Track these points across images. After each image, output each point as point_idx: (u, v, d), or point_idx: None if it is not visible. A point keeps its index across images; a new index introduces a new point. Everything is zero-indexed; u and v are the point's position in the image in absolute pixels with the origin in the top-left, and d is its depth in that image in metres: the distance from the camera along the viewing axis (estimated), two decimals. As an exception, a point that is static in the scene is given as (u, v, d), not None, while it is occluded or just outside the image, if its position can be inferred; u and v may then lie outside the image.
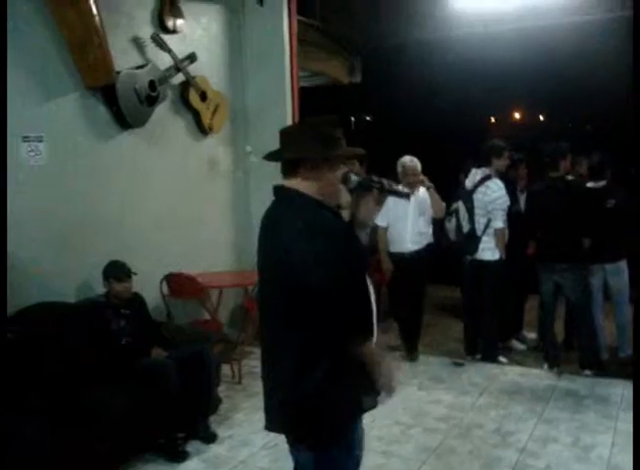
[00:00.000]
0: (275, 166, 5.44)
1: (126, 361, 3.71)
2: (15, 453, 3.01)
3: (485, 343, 5.11)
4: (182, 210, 4.85)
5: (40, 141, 3.88)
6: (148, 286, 4.52)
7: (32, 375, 3.39)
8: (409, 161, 5.00)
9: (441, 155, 7.60)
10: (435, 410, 4.17)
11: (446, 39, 6.92)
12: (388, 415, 4.01)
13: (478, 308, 5.09)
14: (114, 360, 3.69)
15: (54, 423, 3.19)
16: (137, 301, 4.08)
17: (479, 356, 5.13)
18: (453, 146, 7.74)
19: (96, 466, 3.32)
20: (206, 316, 4.91)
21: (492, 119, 13.68)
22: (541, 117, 13.43)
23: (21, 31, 3.72)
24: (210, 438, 3.81)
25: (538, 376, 4.77)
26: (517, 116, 13.75)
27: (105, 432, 3.38)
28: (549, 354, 4.88)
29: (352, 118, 12.64)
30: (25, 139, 3.80)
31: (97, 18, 3.89)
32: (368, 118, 13.74)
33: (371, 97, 8.32)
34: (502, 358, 5.09)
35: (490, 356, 5.08)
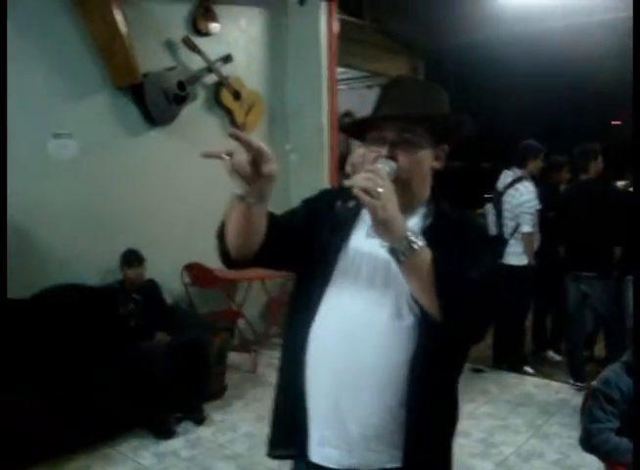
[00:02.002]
0: (315, 165, 5.60)
1: (130, 342, 4.01)
2: (9, 422, 3.36)
3: (509, 352, 4.92)
4: (214, 205, 5.03)
5: (70, 138, 4.26)
6: (174, 276, 4.83)
7: (40, 349, 3.78)
8: (362, 154, 4.00)
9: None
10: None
11: (523, 36, 6.65)
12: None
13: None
14: (117, 341, 4.00)
15: (48, 396, 3.53)
16: (150, 287, 4.37)
17: (505, 365, 4.95)
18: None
19: (85, 436, 3.63)
20: (234, 308, 5.14)
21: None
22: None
23: (56, 39, 4.11)
24: (199, 420, 4.01)
25: (555, 389, 4.53)
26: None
27: (94, 407, 3.68)
28: (574, 368, 4.62)
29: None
30: (56, 136, 4.19)
31: (122, 25, 4.20)
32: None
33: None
34: (528, 369, 4.87)
35: (515, 366, 4.88)
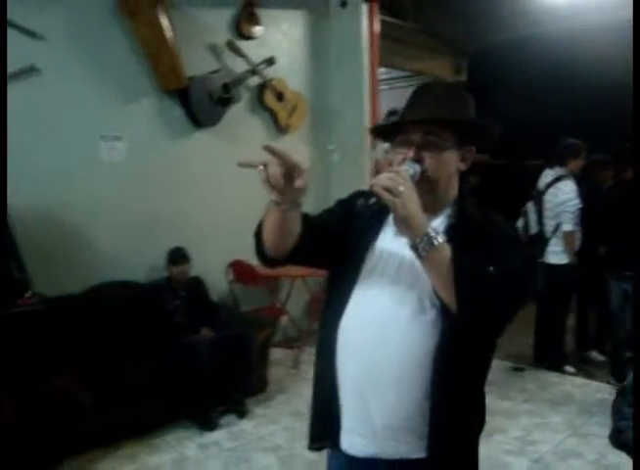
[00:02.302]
0: (357, 165, 5.66)
1: (175, 337, 4.16)
2: (62, 411, 3.54)
3: (550, 351, 4.91)
4: (257, 204, 5.14)
5: (118, 140, 4.44)
6: (218, 274, 4.98)
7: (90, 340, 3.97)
8: (384, 150, 3.73)
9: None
10: (468, 412, 4.13)
11: (567, 32, 6.57)
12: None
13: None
14: (163, 336, 4.16)
15: (98, 386, 3.70)
16: (195, 284, 4.51)
17: (546, 364, 4.94)
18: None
19: (133, 426, 3.80)
20: (278, 304, 5.28)
21: None
22: None
23: (107, 47, 4.29)
24: (242, 413, 4.14)
25: (596, 389, 4.50)
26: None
27: (141, 398, 3.85)
28: (616, 368, 4.58)
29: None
30: (104, 138, 4.37)
31: (168, 31, 4.35)
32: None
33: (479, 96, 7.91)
34: (569, 368, 4.85)
35: (555, 365, 4.87)
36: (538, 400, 4.34)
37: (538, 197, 4.82)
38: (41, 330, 3.37)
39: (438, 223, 1.56)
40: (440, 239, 1.39)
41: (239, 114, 5.05)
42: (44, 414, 3.33)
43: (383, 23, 5.64)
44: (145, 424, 3.83)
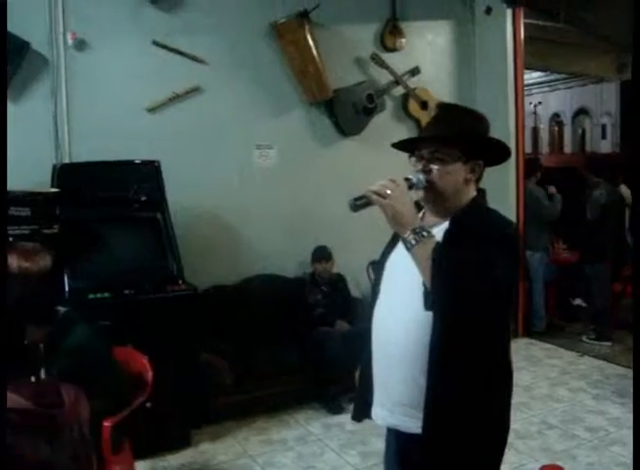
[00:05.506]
0: (503, 170, 5.72)
1: (313, 327, 4.59)
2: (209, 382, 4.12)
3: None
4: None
5: (270, 148, 4.97)
6: (361, 272, 5.33)
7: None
8: None
9: None
10: (592, 420, 4.10)
11: None
12: (540, 412, 4.28)
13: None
14: (303, 325, 4.61)
15: (243, 364, 4.25)
16: (337, 280, 4.92)
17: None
18: None
19: (268, 402, 4.31)
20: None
21: None
22: None
23: (260, 66, 4.85)
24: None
25: None
26: None
27: (278, 378, 4.35)
28: None
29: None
30: (258, 146, 4.93)
31: (314, 49, 4.80)
32: None
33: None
34: None
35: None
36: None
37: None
38: (192, 312, 3.90)
39: (444, 227, 1.79)
40: (425, 234, 1.63)
41: (383, 122, 5.38)
42: (194, 382, 3.90)
43: (533, 26, 5.63)
44: (278, 402, 4.32)
